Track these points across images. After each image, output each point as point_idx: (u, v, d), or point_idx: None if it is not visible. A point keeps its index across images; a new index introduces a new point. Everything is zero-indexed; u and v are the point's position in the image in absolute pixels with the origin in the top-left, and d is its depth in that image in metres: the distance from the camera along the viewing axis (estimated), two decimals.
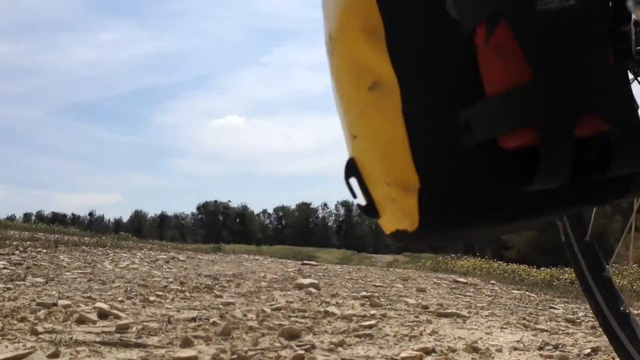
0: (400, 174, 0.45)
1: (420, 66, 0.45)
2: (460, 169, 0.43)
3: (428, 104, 0.44)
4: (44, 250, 3.67)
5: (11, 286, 1.98)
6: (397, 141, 0.45)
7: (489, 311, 2.22)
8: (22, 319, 1.43)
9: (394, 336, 1.50)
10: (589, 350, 1.46)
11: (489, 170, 0.43)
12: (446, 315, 1.95)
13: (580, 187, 0.44)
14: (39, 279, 2.22)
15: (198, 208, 67.10)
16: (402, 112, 0.45)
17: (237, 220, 63.38)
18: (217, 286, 2.48)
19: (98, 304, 1.66)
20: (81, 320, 1.45)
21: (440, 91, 0.44)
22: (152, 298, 1.94)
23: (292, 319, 1.69)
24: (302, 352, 1.23)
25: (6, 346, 1.17)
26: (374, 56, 0.47)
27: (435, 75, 0.44)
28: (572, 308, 2.65)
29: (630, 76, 0.55)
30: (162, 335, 1.36)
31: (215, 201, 66.35)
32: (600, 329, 1.89)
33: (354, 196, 0.53)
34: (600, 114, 0.40)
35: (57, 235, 6.24)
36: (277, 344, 1.31)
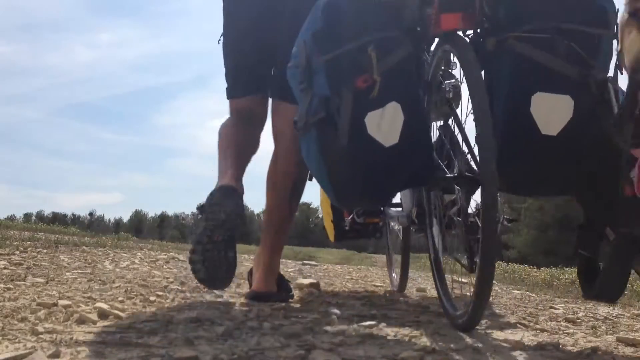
0: (330, 230, 2.63)
1: (337, 217, 2.55)
2: (345, 230, 2.53)
3: (337, 221, 2.55)
4: (44, 251, 3.66)
5: (11, 286, 1.98)
6: (331, 226, 2.60)
7: (489, 311, 2.22)
8: (23, 319, 1.43)
9: (394, 336, 1.50)
10: (589, 350, 1.46)
11: (349, 230, 2.52)
12: None
13: (367, 233, 2.59)
14: (39, 279, 2.22)
15: (198, 208, 67.08)
16: (332, 223, 2.59)
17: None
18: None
19: (98, 304, 1.66)
20: (81, 321, 1.45)
21: (340, 219, 2.53)
22: (152, 298, 1.94)
23: (293, 319, 1.69)
24: (302, 352, 1.23)
25: (6, 346, 1.17)
26: (330, 210, 2.59)
27: (341, 220, 2.54)
28: (572, 308, 2.65)
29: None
30: (163, 335, 1.36)
31: None
32: (599, 329, 1.89)
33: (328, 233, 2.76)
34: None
35: (57, 236, 6.24)
36: (278, 344, 1.31)
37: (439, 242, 1.77)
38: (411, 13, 1.61)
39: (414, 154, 1.51)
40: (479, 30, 1.58)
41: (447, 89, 1.63)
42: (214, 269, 1.73)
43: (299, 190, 2.04)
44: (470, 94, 1.44)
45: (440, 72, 1.66)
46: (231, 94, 2.11)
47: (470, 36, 1.58)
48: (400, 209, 2.15)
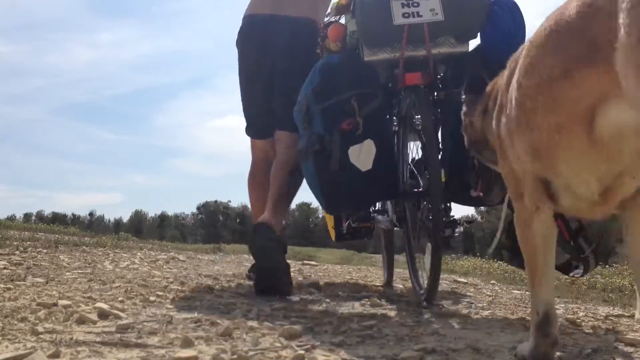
0: (332, 233, 2.93)
1: (337, 222, 2.89)
2: (343, 232, 2.85)
3: (336, 225, 2.89)
4: (44, 251, 3.67)
5: (11, 286, 1.98)
6: (332, 230, 2.93)
7: (489, 311, 2.22)
8: (23, 319, 1.43)
9: (394, 336, 1.50)
10: (590, 350, 1.46)
11: (346, 232, 2.84)
12: (446, 315, 1.95)
13: (360, 234, 2.84)
14: (39, 279, 2.22)
15: (198, 208, 67.05)
16: (333, 228, 2.91)
17: (237, 220, 63.24)
18: (217, 286, 2.48)
19: (98, 304, 1.66)
20: (81, 321, 1.45)
21: (339, 224, 2.88)
22: (152, 298, 1.94)
23: (293, 319, 1.69)
24: (302, 352, 1.23)
25: (6, 346, 1.17)
26: (332, 217, 2.93)
27: (340, 225, 2.87)
28: (572, 308, 2.66)
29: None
30: (163, 335, 1.36)
31: (215, 201, 66.27)
32: (599, 329, 1.89)
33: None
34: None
35: (57, 236, 6.23)
36: (278, 344, 1.31)
37: (411, 240, 2.25)
38: (384, 72, 2.21)
39: (384, 176, 2.09)
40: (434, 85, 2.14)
41: (417, 122, 2.10)
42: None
43: (296, 179, 2.44)
44: (423, 133, 2.01)
45: (412, 110, 2.13)
46: (248, 134, 2.78)
47: (428, 89, 2.10)
48: (386, 215, 2.63)
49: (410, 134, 2.22)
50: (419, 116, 2.06)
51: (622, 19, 0.79)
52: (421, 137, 2.08)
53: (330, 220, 3.02)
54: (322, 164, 2.02)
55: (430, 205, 1.96)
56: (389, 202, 2.54)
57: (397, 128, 2.31)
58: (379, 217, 2.67)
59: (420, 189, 2.12)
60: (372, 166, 2.02)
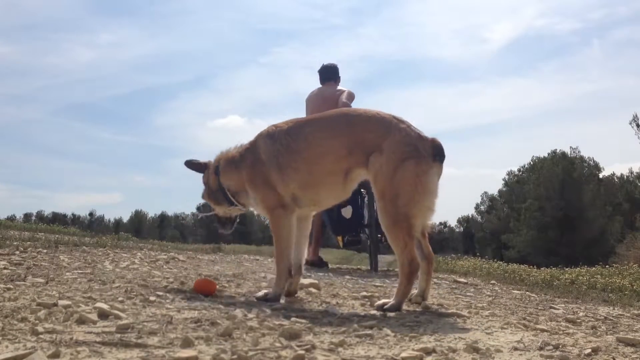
0: (340, 242, 5.76)
1: (343, 238, 5.87)
2: (345, 242, 5.63)
3: (343, 238, 5.86)
4: (44, 251, 3.66)
5: (11, 286, 1.98)
6: (340, 241, 5.79)
7: (489, 311, 2.22)
8: (23, 319, 1.43)
9: (394, 336, 1.50)
10: (589, 350, 1.46)
11: (347, 242, 5.65)
12: (446, 315, 1.95)
13: (354, 243, 5.70)
14: (39, 279, 2.22)
15: (198, 208, 67.02)
16: (340, 239, 5.95)
17: (238, 220, 63.17)
18: (217, 286, 2.48)
19: (98, 304, 1.66)
20: (81, 321, 1.45)
21: (344, 238, 5.82)
22: (152, 298, 1.94)
23: (293, 319, 1.69)
24: (302, 352, 1.23)
25: (6, 346, 1.17)
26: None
27: (344, 238, 5.84)
28: (572, 308, 2.66)
29: None
30: (163, 335, 1.36)
31: None
32: (599, 329, 1.89)
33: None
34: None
35: (57, 236, 6.23)
36: (278, 344, 1.31)
37: (374, 245, 5.27)
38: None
39: (356, 219, 5.27)
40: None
41: (365, 196, 5.43)
42: None
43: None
44: (368, 200, 5.31)
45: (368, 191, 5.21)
46: None
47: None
48: (365, 233, 5.39)
49: (367, 201, 5.31)
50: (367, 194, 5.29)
51: None
52: (370, 202, 5.17)
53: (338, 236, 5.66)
54: (330, 216, 5.11)
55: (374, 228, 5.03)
56: (367, 229, 5.31)
57: (363, 196, 5.35)
58: (362, 234, 5.39)
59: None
60: (350, 216, 5.17)
